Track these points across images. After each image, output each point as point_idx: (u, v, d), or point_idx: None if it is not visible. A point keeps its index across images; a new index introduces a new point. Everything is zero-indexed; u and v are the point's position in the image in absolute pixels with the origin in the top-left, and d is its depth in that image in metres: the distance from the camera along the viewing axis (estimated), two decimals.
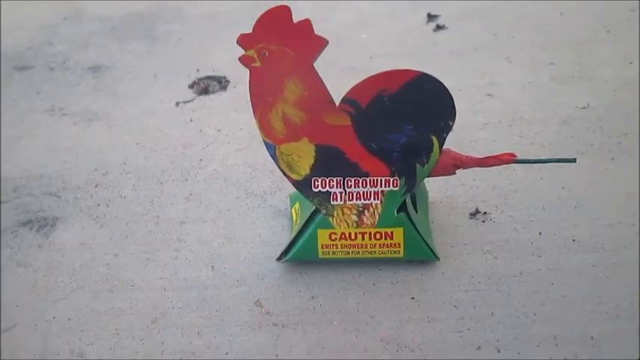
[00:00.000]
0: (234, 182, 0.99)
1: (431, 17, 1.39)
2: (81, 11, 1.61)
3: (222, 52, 1.36)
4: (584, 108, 1.06)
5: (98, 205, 0.98)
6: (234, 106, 1.18)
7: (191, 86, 1.25)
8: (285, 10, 0.66)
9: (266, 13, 0.67)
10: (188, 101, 1.20)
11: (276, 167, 0.77)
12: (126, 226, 0.93)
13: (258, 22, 0.68)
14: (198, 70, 1.29)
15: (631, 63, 1.17)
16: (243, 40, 0.69)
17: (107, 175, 1.04)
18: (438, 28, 1.36)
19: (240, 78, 1.27)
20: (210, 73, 1.28)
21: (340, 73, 1.21)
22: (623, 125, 1.02)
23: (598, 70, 1.17)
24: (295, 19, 0.69)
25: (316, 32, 0.70)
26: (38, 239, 0.93)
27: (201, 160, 1.05)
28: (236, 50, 1.49)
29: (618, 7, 1.38)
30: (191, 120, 1.15)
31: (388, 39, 1.34)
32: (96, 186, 1.01)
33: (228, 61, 1.32)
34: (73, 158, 1.09)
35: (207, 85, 1.24)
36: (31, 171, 1.07)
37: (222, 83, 1.25)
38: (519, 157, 0.78)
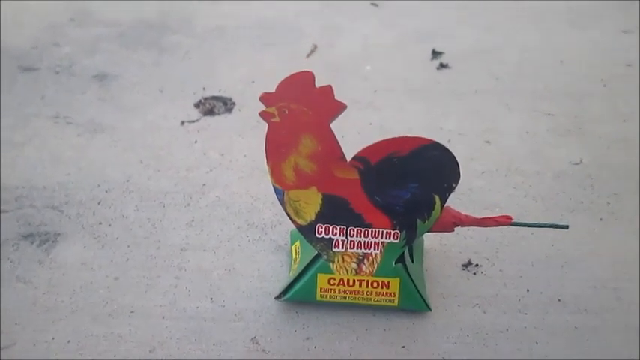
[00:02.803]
0: (236, 212, 1.02)
1: (435, 54, 1.43)
2: (88, 12, 1.62)
3: (229, 69, 1.38)
4: (577, 164, 1.11)
5: (100, 223, 1.00)
6: (239, 131, 1.20)
7: (197, 105, 1.27)
8: (309, 76, 0.69)
9: (290, 76, 0.70)
10: (193, 121, 1.22)
11: (277, 199, 0.80)
12: (127, 249, 0.95)
13: (282, 83, 0.70)
14: (204, 89, 1.31)
15: (624, 121, 1.22)
16: (266, 98, 0.72)
17: (110, 192, 1.06)
18: (442, 66, 1.39)
19: (246, 101, 1.29)
20: (216, 93, 1.30)
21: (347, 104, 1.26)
22: (613, 185, 1.06)
23: (592, 125, 1.21)
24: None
25: (326, 90, 0.72)
26: (39, 254, 0.94)
27: (204, 185, 1.07)
28: (242, 70, 1.51)
29: (615, 59, 1.43)
30: (196, 142, 1.17)
31: (392, 73, 1.37)
32: (99, 203, 1.03)
33: (234, 80, 1.34)
34: (76, 171, 1.10)
35: (213, 106, 1.26)
36: (33, 181, 1.08)
37: (227, 105, 1.27)
38: (512, 212, 0.82)
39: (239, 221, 1.00)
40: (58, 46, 1.48)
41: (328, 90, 0.70)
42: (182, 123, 1.22)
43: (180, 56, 1.44)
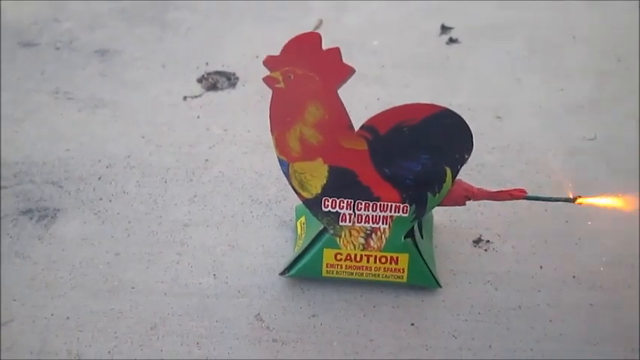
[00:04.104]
0: (240, 187, 0.99)
1: (445, 29, 1.38)
2: None
3: (233, 45, 1.34)
4: (591, 140, 1.07)
5: (100, 199, 0.97)
6: (242, 106, 1.17)
7: (199, 80, 1.23)
8: (316, 37, 0.65)
9: (296, 38, 0.66)
10: (196, 96, 1.19)
11: (282, 175, 0.76)
12: (128, 224, 0.92)
13: (286, 45, 0.67)
14: (207, 64, 1.27)
15: (637, 94, 1.18)
16: (270, 62, 0.69)
17: (111, 167, 1.03)
18: (451, 41, 1.35)
19: (250, 76, 1.26)
20: (220, 69, 1.26)
21: (351, 81, 1.22)
22: (628, 161, 1.03)
23: (607, 101, 1.17)
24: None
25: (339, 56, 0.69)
26: (38, 230, 0.92)
27: (206, 160, 1.04)
28: (246, 45, 1.47)
29: (630, 35, 1.38)
30: (198, 117, 1.14)
31: (400, 48, 1.33)
32: (99, 178, 1.00)
33: (238, 56, 1.31)
34: (76, 146, 1.07)
35: (216, 81, 1.23)
36: (33, 157, 1.05)
37: (231, 80, 1.24)
38: (525, 187, 0.79)
39: (243, 197, 0.97)
40: (59, 22, 1.44)
41: (336, 53, 0.66)
42: (185, 98, 1.19)
43: (183, 31, 1.40)
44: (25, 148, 1.07)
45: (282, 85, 0.69)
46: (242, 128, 1.11)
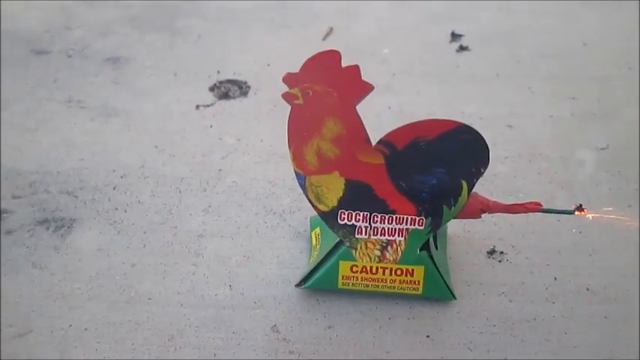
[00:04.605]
0: (254, 197, 1.00)
1: (455, 36, 1.39)
2: None
3: (243, 53, 1.35)
4: (603, 149, 1.08)
5: (116, 209, 0.98)
6: (255, 115, 1.18)
7: (211, 89, 1.24)
8: (336, 55, 0.66)
9: (316, 55, 0.67)
10: (208, 105, 1.20)
11: (296, 185, 0.77)
12: (143, 235, 0.93)
13: (306, 63, 0.68)
14: (218, 72, 1.28)
15: None
16: (289, 79, 0.69)
17: (125, 177, 1.04)
18: (462, 49, 1.36)
19: (261, 84, 1.27)
20: (231, 77, 1.27)
21: None
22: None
23: (618, 110, 1.18)
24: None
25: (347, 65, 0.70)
26: (55, 240, 0.93)
27: (220, 170, 1.05)
28: (256, 53, 1.48)
29: (637, 40, 1.39)
30: (211, 126, 1.15)
31: (411, 56, 1.34)
32: (114, 188, 1.01)
33: (249, 63, 1.32)
34: (90, 156, 1.08)
35: (228, 90, 1.24)
36: (47, 166, 1.06)
37: (242, 89, 1.24)
38: (537, 199, 0.79)
39: (257, 207, 0.98)
40: (70, 29, 1.45)
41: (355, 70, 0.67)
42: (197, 107, 1.20)
43: (194, 39, 1.41)
44: (39, 157, 1.08)
45: (300, 101, 0.70)
46: (255, 137, 1.12)
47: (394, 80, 1.26)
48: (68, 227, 0.95)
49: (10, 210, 0.98)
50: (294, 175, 0.77)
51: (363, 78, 0.69)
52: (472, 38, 1.39)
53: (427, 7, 1.51)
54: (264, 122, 1.16)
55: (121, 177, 1.04)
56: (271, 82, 1.27)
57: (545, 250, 0.90)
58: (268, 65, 1.31)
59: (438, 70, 1.30)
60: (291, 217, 0.96)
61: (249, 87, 1.25)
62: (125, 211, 0.97)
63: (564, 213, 0.79)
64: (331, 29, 1.42)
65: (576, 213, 0.76)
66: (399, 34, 1.42)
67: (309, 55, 0.70)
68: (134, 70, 1.31)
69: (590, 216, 0.77)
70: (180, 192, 1.01)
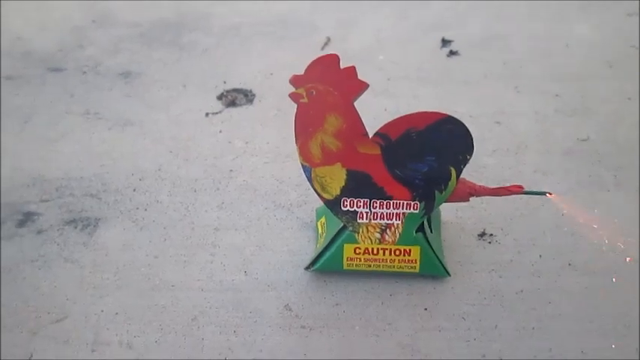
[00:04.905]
0: (263, 194, 1.10)
1: (445, 42, 1.50)
2: (108, 15, 1.71)
3: (247, 64, 1.46)
4: (584, 140, 1.18)
5: (137, 208, 1.08)
6: (261, 120, 1.28)
7: (219, 98, 1.35)
8: (335, 58, 0.77)
9: (318, 59, 0.77)
10: (217, 113, 1.30)
11: (302, 181, 0.87)
12: (164, 230, 1.03)
13: (310, 66, 0.78)
14: (225, 82, 1.39)
15: (629, 99, 1.29)
16: (295, 80, 0.80)
17: (143, 180, 1.14)
18: (452, 53, 1.47)
19: (265, 92, 1.37)
20: (237, 86, 1.38)
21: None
22: (619, 159, 1.13)
23: (599, 105, 1.28)
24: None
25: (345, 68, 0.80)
26: (83, 238, 1.03)
27: (231, 170, 1.15)
28: (259, 63, 1.60)
29: (620, 42, 1.50)
30: (220, 131, 1.25)
31: (404, 62, 1.45)
32: (134, 190, 1.11)
33: (253, 73, 1.43)
34: (110, 162, 1.19)
35: (235, 98, 1.34)
36: (70, 173, 1.16)
37: (248, 97, 1.35)
38: (524, 184, 0.90)
39: (266, 202, 1.08)
40: (83, 48, 1.57)
41: (352, 70, 0.78)
42: (206, 115, 1.30)
43: (200, 53, 1.52)
44: (63, 165, 1.18)
45: (305, 100, 0.80)
46: (261, 140, 1.22)
47: (389, 84, 1.37)
48: (94, 226, 1.05)
49: (39, 212, 1.08)
50: (301, 170, 0.87)
51: (359, 77, 0.79)
52: (461, 44, 1.50)
53: (419, 18, 1.63)
54: (270, 126, 1.26)
55: (140, 180, 1.14)
56: (274, 90, 1.38)
57: (531, 232, 1.00)
58: (271, 74, 1.42)
59: (430, 74, 1.41)
60: (298, 210, 1.06)
61: (254, 95, 1.36)
62: (145, 209, 1.07)
63: (539, 194, 0.89)
64: (329, 39, 1.53)
65: (547, 195, 0.89)
66: (392, 43, 1.53)
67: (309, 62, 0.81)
68: (145, 83, 1.42)
69: (554, 196, 0.90)
70: (195, 191, 1.11)
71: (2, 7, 1.73)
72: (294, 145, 0.85)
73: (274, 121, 1.27)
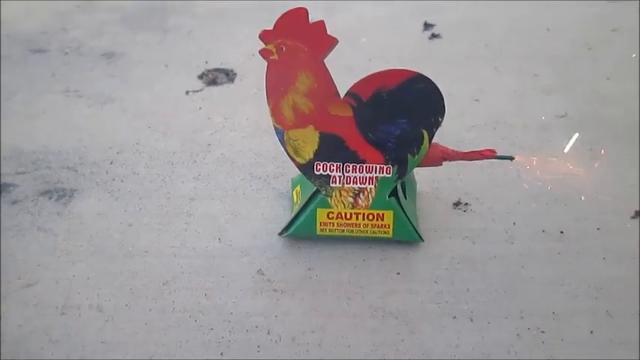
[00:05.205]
0: (240, 166, 1.10)
1: (427, 26, 1.51)
2: (93, 0, 1.71)
3: (230, 46, 1.47)
4: (562, 117, 1.19)
5: (113, 180, 1.08)
6: (241, 98, 1.29)
7: (200, 77, 1.35)
8: (303, 12, 0.77)
9: (286, 13, 0.78)
10: (197, 91, 1.31)
11: (279, 154, 0.88)
12: (139, 200, 1.03)
13: (279, 20, 0.79)
14: (207, 62, 1.40)
15: (608, 79, 1.30)
16: (265, 36, 0.80)
17: (121, 153, 1.14)
18: (434, 36, 1.48)
19: (246, 72, 1.38)
20: (219, 66, 1.39)
21: (339, 72, 1.33)
22: (595, 134, 1.14)
23: (577, 84, 1.29)
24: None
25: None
26: (57, 208, 1.02)
27: (209, 144, 1.15)
28: (243, 46, 1.60)
29: (601, 26, 1.51)
30: (200, 108, 1.25)
31: (386, 44, 1.46)
32: (111, 163, 1.11)
33: (235, 55, 1.43)
34: (88, 137, 1.19)
35: (216, 77, 1.35)
36: (48, 147, 1.16)
37: (229, 76, 1.36)
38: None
39: (243, 174, 1.08)
40: (66, 31, 1.57)
41: (321, 25, 0.78)
42: (187, 93, 1.30)
43: (184, 36, 1.53)
44: (41, 139, 1.18)
45: (275, 56, 0.80)
46: (241, 116, 1.23)
47: (370, 64, 1.38)
48: (69, 197, 1.05)
49: (14, 184, 1.07)
50: (278, 143, 0.87)
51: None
52: (443, 27, 1.51)
53: (402, 3, 1.64)
54: (250, 104, 1.26)
55: (117, 153, 1.14)
56: (256, 70, 1.38)
57: (506, 201, 1.00)
58: (253, 55, 1.41)
59: (412, 55, 1.42)
60: (275, 181, 1.06)
61: (235, 74, 1.36)
62: (122, 181, 1.07)
63: (507, 158, 0.90)
64: None
65: (512, 159, 0.91)
66: (376, 26, 1.55)
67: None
68: (127, 63, 1.43)
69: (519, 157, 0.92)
70: (172, 164, 1.11)
71: None
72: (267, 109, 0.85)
73: (254, 98, 1.28)
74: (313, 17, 0.82)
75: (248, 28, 1.55)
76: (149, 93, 1.31)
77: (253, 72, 1.36)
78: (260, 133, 1.17)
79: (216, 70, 1.37)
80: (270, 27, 0.82)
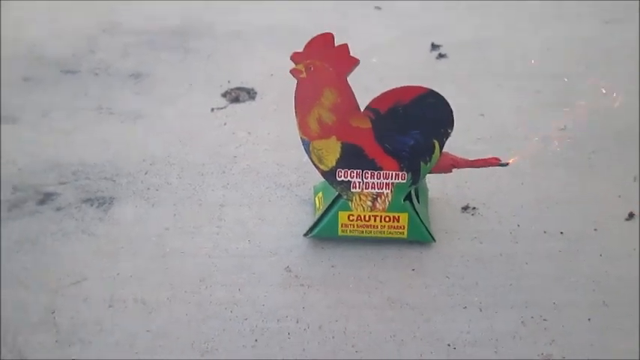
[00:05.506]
0: (265, 176, 1.21)
1: (434, 46, 1.64)
2: (117, 24, 1.85)
3: (250, 66, 1.60)
4: (561, 129, 1.30)
5: (148, 188, 1.19)
6: (262, 114, 1.41)
7: (224, 95, 1.47)
8: (330, 37, 0.90)
9: (315, 37, 0.90)
10: (221, 108, 1.43)
11: (301, 165, 0.99)
12: (173, 207, 1.14)
13: (309, 43, 0.91)
14: (229, 82, 1.52)
15: (603, 94, 1.42)
16: (295, 57, 0.92)
17: (154, 165, 1.25)
18: (440, 56, 1.60)
19: (266, 90, 1.50)
20: (240, 85, 1.51)
21: (356, 92, 1.46)
22: (593, 145, 1.26)
23: (576, 99, 1.41)
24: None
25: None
26: (99, 214, 1.14)
27: (235, 157, 1.27)
28: (261, 66, 1.73)
29: (597, 46, 1.64)
30: (225, 124, 1.37)
31: (396, 64, 1.59)
32: (145, 173, 1.23)
33: (254, 74, 1.56)
34: (122, 150, 1.30)
35: (238, 95, 1.47)
36: (86, 159, 1.28)
37: (250, 94, 1.48)
38: (505, 169, 1.02)
39: (268, 183, 1.19)
40: (94, 53, 1.70)
41: (345, 48, 0.90)
42: (212, 110, 1.42)
43: (204, 56, 1.66)
44: (78, 153, 1.30)
45: (304, 75, 0.92)
46: (263, 131, 1.34)
47: (382, 84, 1.48)
48: (109, 204, 1.16)
49: (58, 193, 1.19)
50: (299, 155, 0.98)
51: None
52: (449, 47, 1.64)
53: (410, 25, 1.77)
54: (270, 119, 1.38)
55: (150, 164, 1.25)
56: (275, 89, 1.51)
57: (510, 206, 1.11)
58: (271, 75, 1.55)
59: (421, 74, 1.54)
60: (297, 189, 1.17)
61: (255, 92, 1.48)
62: (157, 190, 1.19)
63: (503, 165, 1.01)
64: None
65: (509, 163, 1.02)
66: (385, 47, 1.67)
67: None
68: (153, 82, 1.55)
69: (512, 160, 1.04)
70: (202, 174, 1.22)
71: (17, 18, 1.87)
72: (295, 123, 0.97)
73: (274, 115, 1.40)
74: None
75: (264, 49, 1.68)
76: (176, 110, 1.43)
77: (272, 90, 1.48)
78: (281, 146, 1.28)
79: (238, 88, 1.50)
80: (299, 49, 0.94)
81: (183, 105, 1.45)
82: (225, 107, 1.44)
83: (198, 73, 1.58)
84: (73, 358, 0.88)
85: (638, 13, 1.76)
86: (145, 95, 1.50)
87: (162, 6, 1.95)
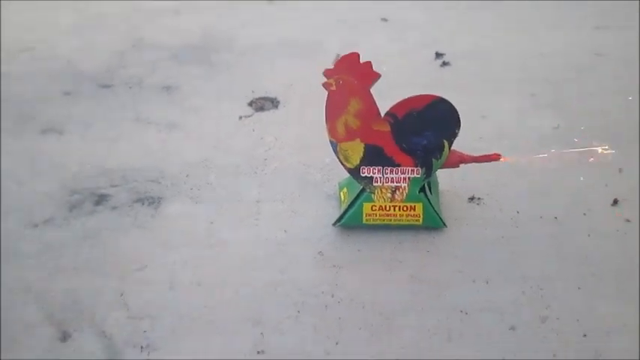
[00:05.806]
0: (293, 175, 1.40)
1: (438, 55, 1.83)
2: (144, 40, 2.04)
3: (271, 77, 1.79)
4: (555, 128, 1.49)
5: (191, 189, 1.38)
6: (286, 122, 1.60)
7: (250, 104, 1.66)
8: (356, 56, 1.09)
9: (344, 56, 1.09)
10: (249, 116, 1.62)
11: (325, 165, 1.17)
12: (215, 204, 1.33)
13: (338, 61, 1.10)
14: (253, 92, 1.71)
15: (592, 96, 1.61)
16: (327, 72, 1.11)
17: (193, 168, 1.44)
18: (444, 64, 1.79)
19: (287, 99, 1.69)
20: (264, 95, 1.70)
21: None
22: (584, 142, 1.44)
23: (568, 101, 1.61)
24: (328, 57, 1.11)
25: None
26: (150, 211, 1.32)
27: (265, 159, 1.45)
28: (281, 77, 1.92)
29: (587, 51, 1.83)
30: (253, 130, 1.56)
31: (404, 72, 1.78)
32: (187, 176, 1.42)
33: (275, 85, 1.75)
34: (163, 156, 1.49)
35: (263, 104, 1.66)
36: (131, 165, 1.47)
37: (274, 103, 1.67)
38: (504, 163, 1.21)
39: (297, 181, 1.38)
40: (126, 68, 1.89)
41: (369, 64, 1.10)
42: (240, 118, 1.61)
43: (227, 69, 1.85)
44: (124, 159, 1.49)
45: (334, 88, 1.11)
46: (288, 136, 1.53)
47: (391, 91, 1.68)
48: (158, 203, 1.35)
49: (111, 194, 1.37)
50: (322, 157, 1.16)
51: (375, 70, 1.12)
52: (452, 56, 1.83)
53: (415, 36, 1.96)
54: (294, 126, 1.57)
55: (190, 168, 1.44)
56: (295, 97, 1.70)
57: (511, 196, 1.30)
58: (291, 85, 1.74)
59: (426, 81, 1.73)
60: (323, 186, 1.36)
61: (278, 102, 1.67)
62: (199, 189, 1.37)
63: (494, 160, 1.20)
64: (338, 55, 1.84)
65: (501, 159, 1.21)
66: (393, 57, 1.86)
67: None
68: (183, 94, 1.74)
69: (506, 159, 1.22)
70: (237, 175, 1.41)
71: (52, 36, 2.06)
72: (320, 127, 1.15)
73: (297, 121, 1.59)
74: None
75: (283, 61, 1.87)
76: (207, 119, 1.62)
77: (293, 99, 1.67)
78: (306, 149, 1.47)
79: (263, 98, 1.69)
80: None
81: (213, 114, 1.64)
82: (251, 115, 1.63)
83: (223, 85, 1.77)
84: (144, 329, 1.07)
85: (627, 20, 1.96)
86: (177, 106, 1.69)
87: (184, 21, 2.15)
